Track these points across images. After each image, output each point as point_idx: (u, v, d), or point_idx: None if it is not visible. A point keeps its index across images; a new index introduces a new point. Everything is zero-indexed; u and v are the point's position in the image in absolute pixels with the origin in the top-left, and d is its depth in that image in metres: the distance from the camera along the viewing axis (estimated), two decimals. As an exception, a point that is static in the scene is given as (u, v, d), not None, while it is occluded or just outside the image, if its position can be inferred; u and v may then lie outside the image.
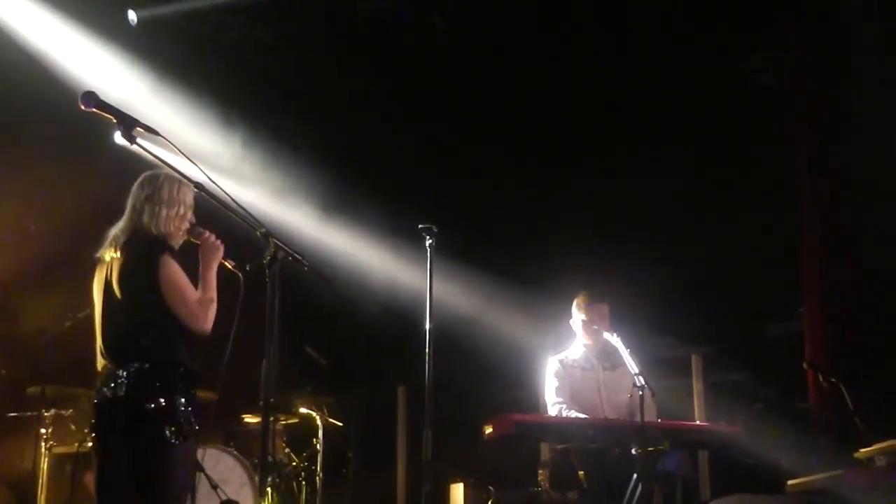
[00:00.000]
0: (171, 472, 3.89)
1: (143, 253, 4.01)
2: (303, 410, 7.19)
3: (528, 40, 8.11)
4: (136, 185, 4.16)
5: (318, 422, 7.19)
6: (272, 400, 3.73)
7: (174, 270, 3.99)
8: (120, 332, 4.01)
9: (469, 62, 8.26)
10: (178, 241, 4.14)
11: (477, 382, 8.09)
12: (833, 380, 6.09)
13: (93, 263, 4.15)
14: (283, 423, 7.27)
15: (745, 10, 7.67)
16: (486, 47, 8.20)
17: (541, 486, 5.93)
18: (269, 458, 6.58)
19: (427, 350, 4.61)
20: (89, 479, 5.67)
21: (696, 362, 7.61)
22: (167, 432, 3.83)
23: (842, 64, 7.14)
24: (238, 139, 7.49)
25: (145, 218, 4.08)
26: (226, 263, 4.10)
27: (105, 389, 3.93)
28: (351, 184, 7.89)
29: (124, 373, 3.89)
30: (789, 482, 5.73)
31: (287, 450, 7.26)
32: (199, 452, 5.86)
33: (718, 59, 7.97)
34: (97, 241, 4.14)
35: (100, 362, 4.04)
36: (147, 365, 3.89)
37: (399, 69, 8.19)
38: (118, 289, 4.01)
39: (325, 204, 7.73)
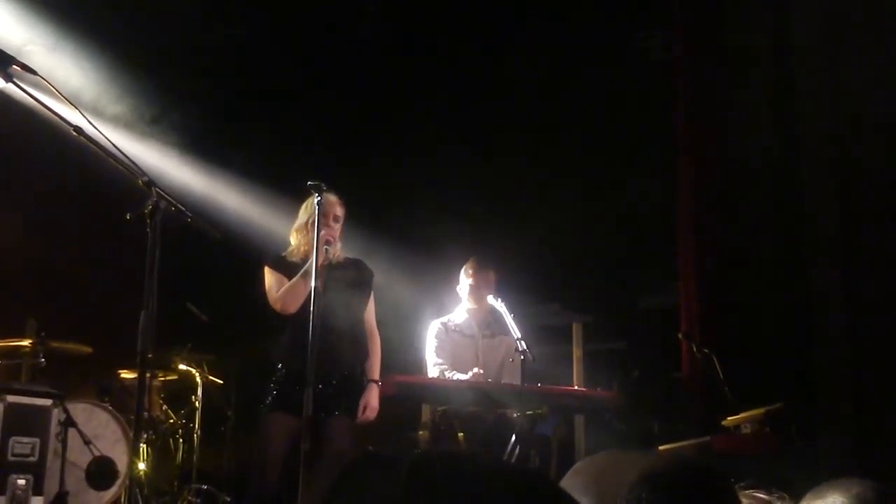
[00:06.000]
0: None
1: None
2: (182, 367, 7.06)
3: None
4: None
5: (198, 379, 7.08)
6: (150, 355, 3.64)
7: (266, 274, 5.22)
8: None
9: (358, 16, 8.14)
10: (300, 251, 5.21)
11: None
12: (705, 350, 6.30)
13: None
14: (162, 379, 7.11)
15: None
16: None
17: (420, 447, 5.97)
18: (145, 414, 6.47)
19: (311, 308, 4.57)
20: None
21: (576, 330, 7.77)
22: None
23: (719, 49, 7.31)
24: (126, 91, 7.24)
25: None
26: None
27: None
28: (236, 138, 7.72)
29: None
30: (660, 447, 5.93)
31: (164, 406, 7.12)
32: (71, 407, 5.72)
33: (607, 29, 8.03)
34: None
35: None
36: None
37: (287, 19, 7.99)
38: None
39: (206, 158, 7.54)
